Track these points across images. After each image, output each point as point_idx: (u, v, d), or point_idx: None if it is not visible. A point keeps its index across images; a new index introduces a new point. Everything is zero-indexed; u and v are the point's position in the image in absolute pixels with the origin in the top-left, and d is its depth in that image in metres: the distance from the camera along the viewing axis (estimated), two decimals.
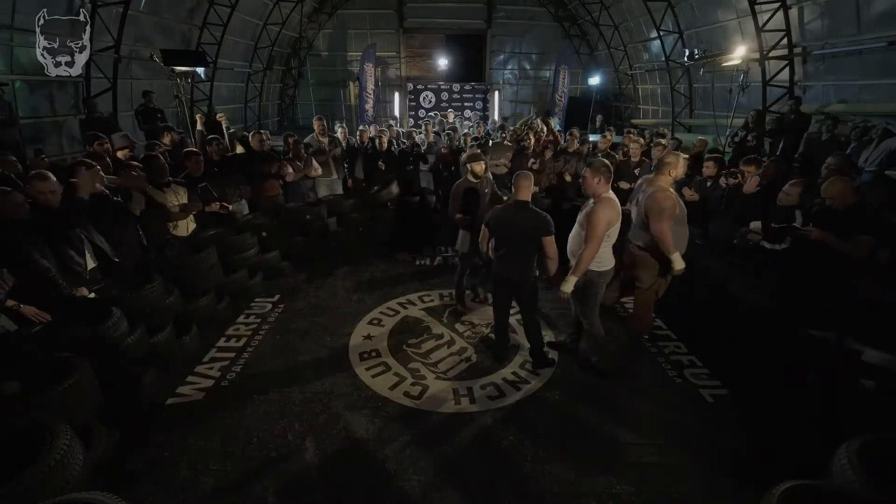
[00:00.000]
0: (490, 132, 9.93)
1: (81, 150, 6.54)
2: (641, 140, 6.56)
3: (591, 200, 3.24)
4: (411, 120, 16.25)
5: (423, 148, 7.34)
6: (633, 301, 4.03)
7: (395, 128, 9.75)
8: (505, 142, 6.90)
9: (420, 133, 9.21)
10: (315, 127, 6.89)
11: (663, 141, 6.24)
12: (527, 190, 3.40)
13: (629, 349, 4.02)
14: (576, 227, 3.35)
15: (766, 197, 4.13)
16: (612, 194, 3.20)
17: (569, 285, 3.20)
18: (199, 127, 7.70)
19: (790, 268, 3.52)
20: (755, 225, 3.69)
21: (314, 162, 6.14)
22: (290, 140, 6.52)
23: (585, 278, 3.24)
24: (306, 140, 6.84)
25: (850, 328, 2.87)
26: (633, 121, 14.74)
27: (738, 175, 4.35)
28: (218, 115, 8.03)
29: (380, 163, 6.56)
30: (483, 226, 3.61)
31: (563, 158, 6.42)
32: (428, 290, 5.04)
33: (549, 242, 3.34)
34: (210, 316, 4.15)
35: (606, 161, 3.33)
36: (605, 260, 3.29)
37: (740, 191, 4.35)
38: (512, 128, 9.76)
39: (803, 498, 1.87)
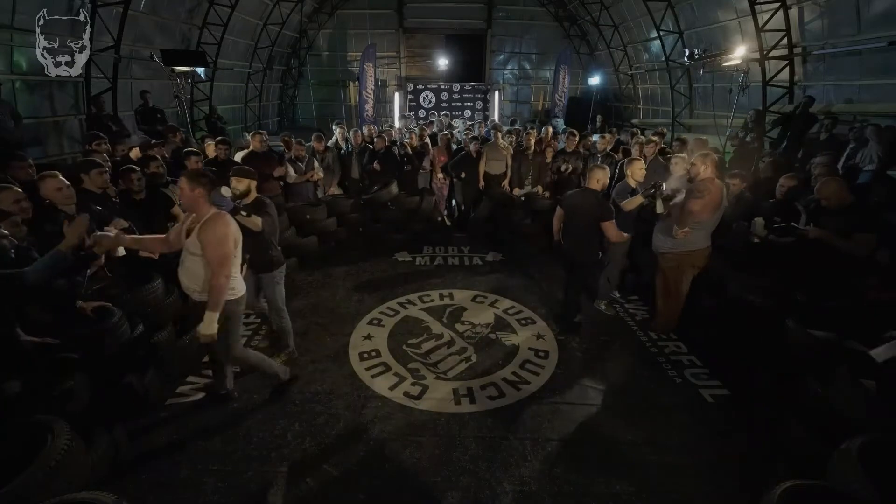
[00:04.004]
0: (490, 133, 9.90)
1: (82, 150, 6.51)
2: (642, 139, 6.55)
3: (195, 217, 2.69)
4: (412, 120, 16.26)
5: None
6: (669, 301, 4.03)
7: (396, 127, 9.69)
8: (499, 142, 6.89)
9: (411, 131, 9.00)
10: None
11: (642, 138, 6.34)
12: (596, 181, 3.84)
13: (630, 349, 4.03)
14: (185, 257, 2.72)
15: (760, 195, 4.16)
16: (222, 213, 2.71)
17: (211, 326, 2.60)
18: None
19: (791, 267, 3.52)
20: (758, 221, 3.71)
21: (315, 164, 6.12)
22: (291, 140, 6.46)
23: (224, 312, 2.71)
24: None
25: (851, 328, 2.86)
26: (633, 121, 14.74)
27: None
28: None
29: (375, 164, 6.53)
30: (557, 207, 4.13)
31: (563, 158, 6.42)
32: (428, 291, 5.04)
33: (607, 227, 3.80)
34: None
35: (205, 170, 3.03)
36: (239, 285, 2.85)
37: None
38: (508, 128, 9.71)
39: (803, 498, 1.88)
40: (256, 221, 3.27)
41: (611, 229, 3.81)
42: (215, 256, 2.60)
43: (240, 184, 3.36)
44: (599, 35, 15.39)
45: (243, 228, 3.03)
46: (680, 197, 3.83)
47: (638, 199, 4.03)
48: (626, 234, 4.04)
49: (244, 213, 3.21)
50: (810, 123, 7.27)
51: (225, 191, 3.11)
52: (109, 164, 4.35)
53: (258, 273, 3.50)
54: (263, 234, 3.36)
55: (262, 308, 3.81)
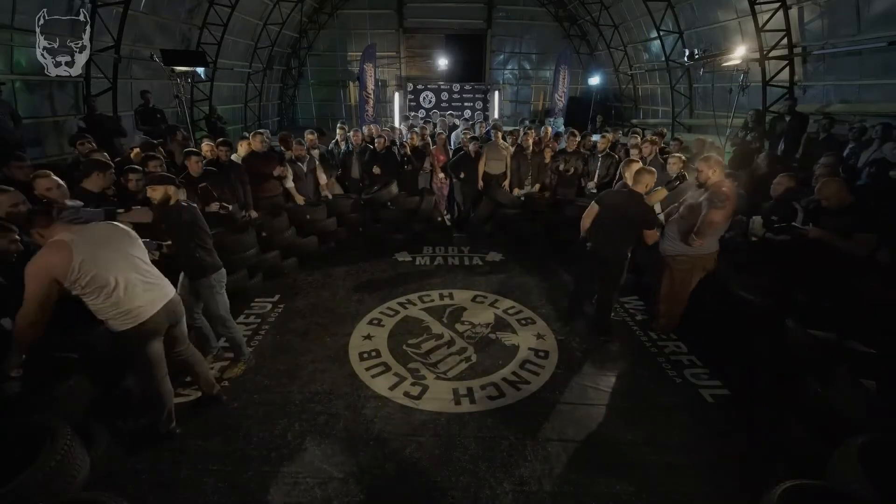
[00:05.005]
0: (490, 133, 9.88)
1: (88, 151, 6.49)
2: (639, 140, 6.55)
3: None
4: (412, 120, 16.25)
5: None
6: (674, 302, 4.03)
7: (397, 127, 9.66)
8: (499, 142, 6.89)
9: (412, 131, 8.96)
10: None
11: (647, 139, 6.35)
12: (642, 185, 3.73)
13: (630, 349, 4.03)
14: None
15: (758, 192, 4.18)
16: (64, 235, 2.23)
17: (13, 362, 2.20)
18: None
19: (791, 267, 3.52)
20: (757, 220, 3.73)
21: (316, 163, 6.11)
22: (292, 140, 6.42)
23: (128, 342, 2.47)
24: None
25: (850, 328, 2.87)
26: (633, 121, 14.74)
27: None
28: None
29: (375, 167, 6.50)
30: (593, 202, 3.96)
31: (563, 158, 6.42)
32: (428, 291, 5.04)
33: (651, 235, 3.77)
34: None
35: (30, 209, 2.62)
36: (143, 312, 2.47)
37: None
38: (512, 128, 9.73)
39: (803, 498, 1.88)
40: (144, 214, 3.03)
41: (652, 237, 3.79)
42: (25, 293, 2.15)
43: (155, 192, 3.10)
44: (599, 35, 15.40)
45: (168, 229, 3.01)
46: (688, 200, 3.80)
47: (662, 193, 3.96)
48: (658, 233, 3.92)
49: (121, 211, 2.96)
50: (804, 123, 7.27)
51: (71, 202, 2.80)
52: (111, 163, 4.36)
53: (192, 279, 3.26)
54: (190, 232, 3.16)
55: (201, 324, 3.56)
